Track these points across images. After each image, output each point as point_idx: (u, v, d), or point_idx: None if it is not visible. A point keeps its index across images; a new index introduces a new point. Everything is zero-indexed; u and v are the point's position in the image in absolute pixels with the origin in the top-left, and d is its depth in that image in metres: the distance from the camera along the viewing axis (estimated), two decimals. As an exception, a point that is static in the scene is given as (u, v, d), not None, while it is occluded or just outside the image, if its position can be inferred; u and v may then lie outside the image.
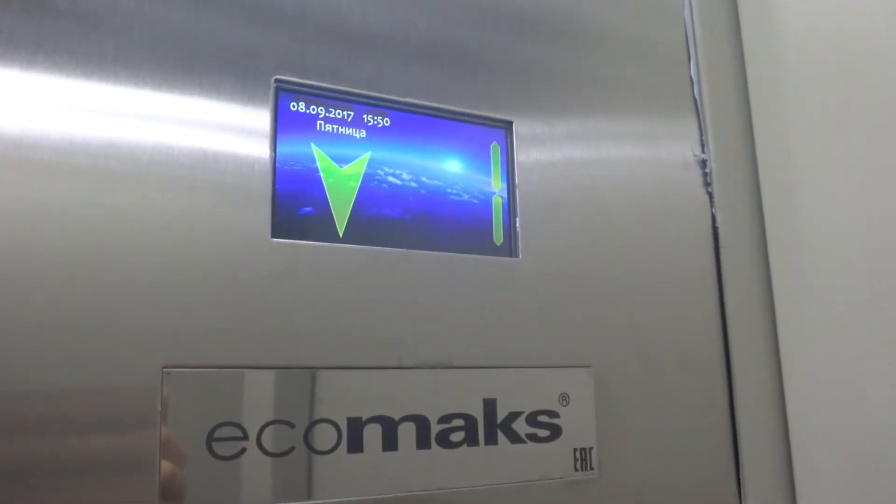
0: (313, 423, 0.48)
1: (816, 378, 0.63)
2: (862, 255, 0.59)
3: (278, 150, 0.50)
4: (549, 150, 0.60)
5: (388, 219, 0.53)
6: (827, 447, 0.62)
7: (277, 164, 0.50)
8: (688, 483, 0.60)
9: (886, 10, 0.59)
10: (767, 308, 0.67)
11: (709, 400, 0.63)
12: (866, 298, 0.59)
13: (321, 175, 0.51)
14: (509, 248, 0.57)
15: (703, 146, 0.67)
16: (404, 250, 0.53)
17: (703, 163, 0.66)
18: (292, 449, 0.47)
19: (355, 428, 0.49)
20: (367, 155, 0.53)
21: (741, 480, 0.62)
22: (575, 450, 0.56)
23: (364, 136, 0.53)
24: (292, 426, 0.47)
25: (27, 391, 0.41)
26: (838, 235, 0.61)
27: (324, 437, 0.48)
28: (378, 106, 0.55)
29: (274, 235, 0.49)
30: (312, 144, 0.51)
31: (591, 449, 0.56)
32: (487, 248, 0.56)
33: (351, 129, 0.53)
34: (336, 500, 0.47)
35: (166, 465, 0.43)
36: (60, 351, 0.42)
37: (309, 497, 0.47)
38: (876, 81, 0.59)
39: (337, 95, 0.53)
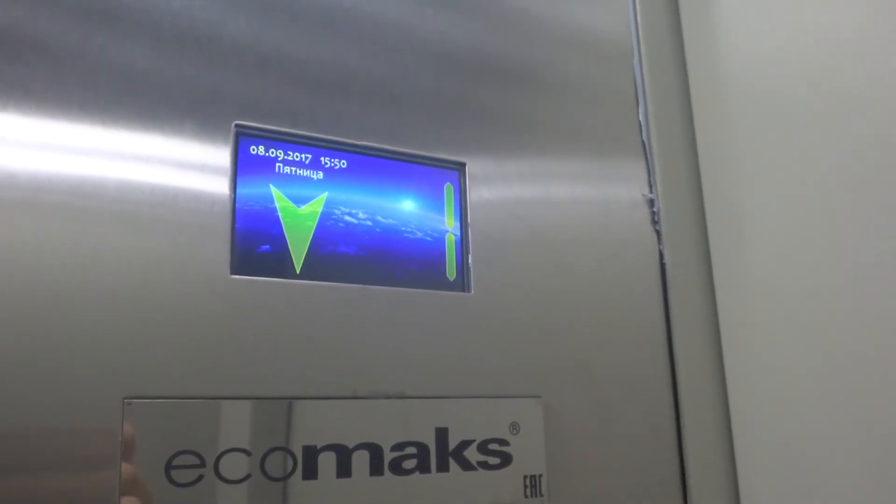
0: (269, 451, 0.50)
1: (762, 409, 0.66)
2: (806, 290, 0.62)
3: (238, 190, 0.53)
4: (501, 189, 0.63)
5: (344, 256, 0.56)
6: (772, 475, 0.64)
7: (237, 205, 0.53)
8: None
9: (827, 51, 0.63)
10: (714, 341, 0.70)
11: (656, 429, 0.65)
12: (814, 338, 0.62)
13: (279, 214, 0.54)
14: (462, 283, 0.60)
15: (650, 186, 0.70)
16: (360, 286, 0.55)
17: (651, 202, 0.70)
18: (248, 476, 0.49)
19: (310, 456, 0.51)
20: (325, 195, 0.56)
21: (689, 507, 0.65)
22: (525, 477, 0.58)
23: (321, 177, 0.56)
24: (249, 454, 0.49)
25: (-9, 420, 0.43)
26: (783, 270, 0.64)
27: (279, 464, 0.50)
28: (335, 149, 0.58)
29: (233, 272, 0.51)
30: (271, 185, 0.54)
31: (540, 476, 0.59)
32: (441, 283, 0.59)
33: (308, 171, 0.56)
34: (290, 525, 0.49)
35: (126, 497, 0.45)
36: (23, 385, 0.44)
37: (264, 522, 0.49)
38: (819, 121, 0.63)
39: (295, 139, 0.56)
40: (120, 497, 0.45)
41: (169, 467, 0.47)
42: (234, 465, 0.49)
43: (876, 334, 0.57)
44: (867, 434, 0.57)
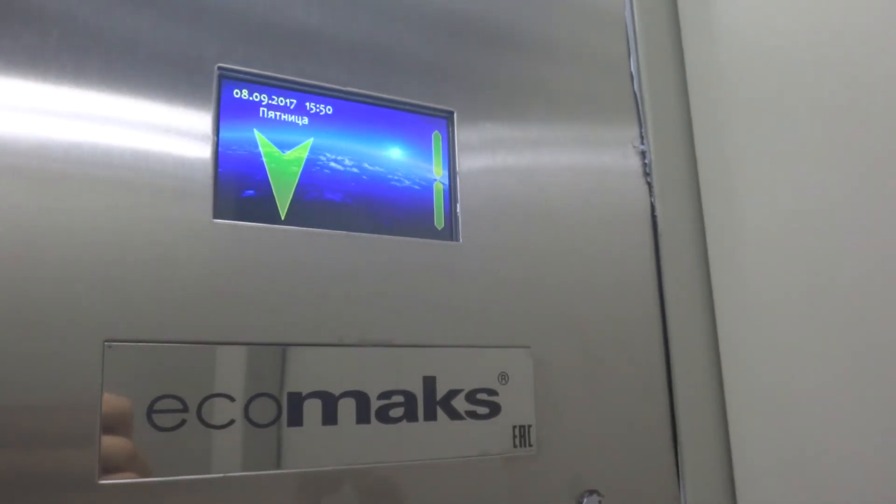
0: (253, 398, 0.49)
1: (754, 363, 0.65)
2: (799, 245, 0.62)
3: (221, 134, 0.52)
4: (491, 139, 0.62)
5: (329, 203, 0.55)
6: (762, 428, 0.64)
7: (220, 149, 0.52)
8: (626, 462, 0.62)
9: (813, 10, 0.62)
10: (706, 296, 0.69)
11: (646, 382, 0.65)
12: (802, 288, 0.61)
13: (263, 160, 0.53)
14: (450, 232, 0.59)
15: (642, 138, 0.69)
16: (345, 232, 0.55)
17: (643, 153, 0.69)
18: (232, 422, 0.48)
19: (295, 402, 0.50)
20: (310, 141, 0.55)
21: (679, 460, 0.64)
22: (514, 427, 0.58)
23: (307, 123, 0.55)
24: (232, 400, 0.49)
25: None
26: (776, 225, 0.63)
27: (263, 411, 0.49)
28: (321, 94, 0.56)
29: (216, 216, 0.50)
30: (255, 130, 0.53)
31: (529, 426, 0.58)
32: (429, 232, 0.58)
33: (294, 117, 0.55)
34: (275, 471, 0.49)
35: (107, 438, 0.45)
36: (2, 327, 0.43)
37: (248, 468, 0.48)
38: (808, 71, 0.62)
39: (280, 84, 0.55)
40: (100, 439, 0.44)
41: (150, 411, 0.46)
42: (218, 411, 0.48)
43: (871, 296, 0.56)
44: (857, 389, 0.57)
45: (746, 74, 0.67)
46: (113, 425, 0.45)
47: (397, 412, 0.53)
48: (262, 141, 0.53)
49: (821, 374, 0.59)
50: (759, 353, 0.64)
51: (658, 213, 0.68)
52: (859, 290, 0.57)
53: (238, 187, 0.52)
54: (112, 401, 0.45)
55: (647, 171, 0.69)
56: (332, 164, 0.55)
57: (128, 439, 0.45)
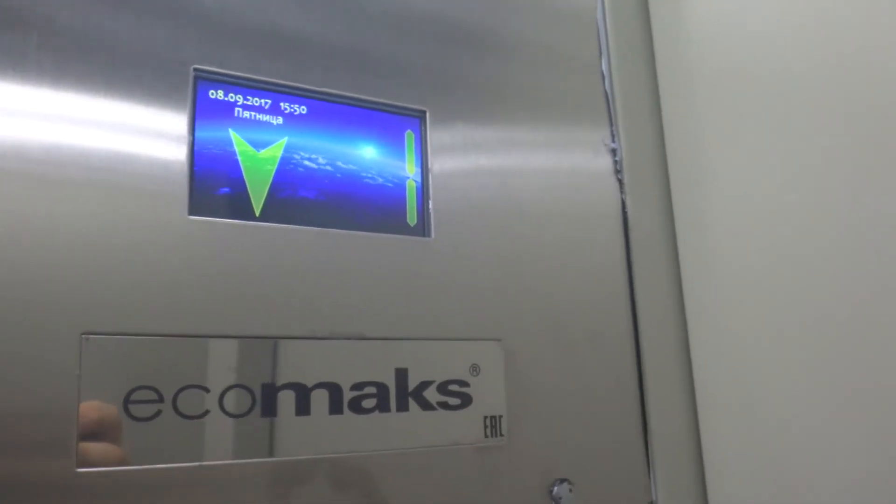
0: (228, 389, 0.51)
1: (723, 355, 0.67)
2: (768, 240, 0.63)
3: (197, 134, 0.54)
4: (462, 137, 0.64)
5: (304, 200, 0.56)
6: (732, 422, 0.66)
7: (196, 148, 0.53)
8: (597, 451, 0.64)
9: (784, 10, 0.63)
10: (676, 290, 0.71)
11: (618, 374, 0.66)
12: (771, 281, 0.63)
13: (238, 158, 0.55)
14: (423, 228, 0.60)
15: (613, 136, 0.71)
16: (319, 229, 0.56)
17: (614, 151, 0.70)
18: (207, 412, 0.50)
19: (269, 393, 0.52)
20: (284, 140, 0.57)
21: (649, 449, 0.66)
22: (485, 417, 0.59)
23: (281, 122, 0.57)
24: (207, 390, 0.50)
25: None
26: (745, 221, 0.65)
27: (238, 401, 0.51)
28: (295, 94, 0.58)
29: (191, 213, 0.52)
30: (230, 130, 0.55)
31: (500, 417, 0.60)
32: (401, 228, 0.60)
33: (268, 116, 0.57)
34: (249, 460, 0.50)
35: (84, 428, 0.46)
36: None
37: (223, 458, 0.50)
38: (782, 72, 0.63)
39: (254, 84, 0.57)
40: (78, 429, 0.46)
41: (127, 402, 0.48)
42: (193, 402, 0.50)
43: (841, 289, 0.58)
44: (824, 378, 0.59)
45: (717, 73, 0.69)
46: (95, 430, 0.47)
47: (370, 403, 0.55)
48: (238, 140, 0.55)
49: (789, 363, 0.61)
50: (728, 345, 0.66)
51: (629, 209, 0.70)
52: (830, 285, 0.58)
53: (213, 185, 0.53)
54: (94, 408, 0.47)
55: (618, 168, 0.70)
56: (307, 163, 0.57)
57: (106, 433, 0.47)
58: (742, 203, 0.65)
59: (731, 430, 0.66)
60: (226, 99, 0.55)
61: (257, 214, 0.54)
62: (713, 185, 0.68)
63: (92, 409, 0.47)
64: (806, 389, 0.59)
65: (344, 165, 0.58)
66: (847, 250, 0.56)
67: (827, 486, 0.58)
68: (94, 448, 0.46)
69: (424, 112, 0.63)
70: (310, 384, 0.53)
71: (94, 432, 0.46)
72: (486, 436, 0.59)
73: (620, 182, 0.70)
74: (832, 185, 0.58)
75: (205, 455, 0.49)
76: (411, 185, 0.61)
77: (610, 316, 0.67)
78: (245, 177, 0.55)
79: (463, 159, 0.64)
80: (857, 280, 0.56)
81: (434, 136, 0.63)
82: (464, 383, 0.59)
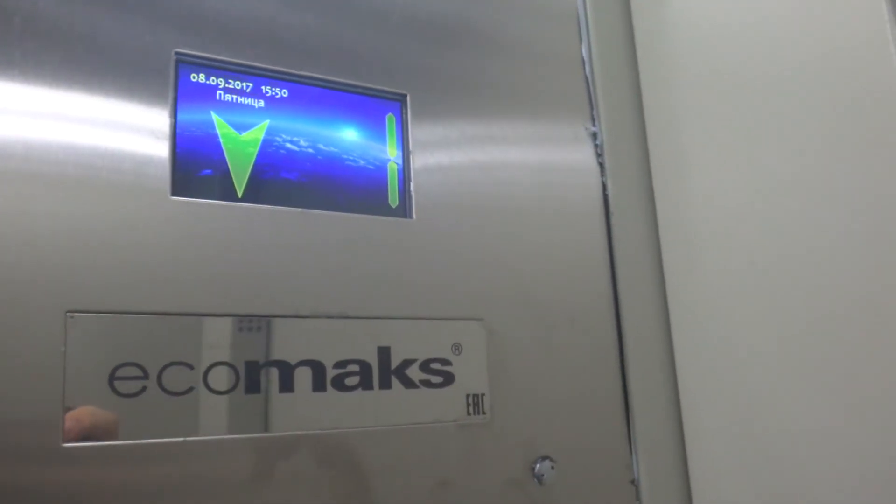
0: (212, 366, 0.52)
1: (704, 333, 0.68)
2: (747, 221, 0.64)
3: (179, 116, 0.54)
4: (443, 121, 0.65)
5: (286, 181, 0.57)
6: (713, 398, 0.67)
7: (178, 130, 0.54)
8: (579, 429, 0.65)
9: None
10: (656, 270, 0.72)
11: (600, 353, 0.67)
12: (750, 259, 0.64)
13: (220, 140, 0.55)
14: (404, 209, 0.61)
15: (593, 120, 0.72)
16: (301, 210, 0.57)
17: (594, 135, 0.71)
18: (191, 389, 0.51)
19: (252, 371, 0.53)
20: (266, 123, 0.57)
21: (631, 427, 0.67)
22: (467, 395, 0.60)
23: (263, 105, 0.58)
24: (191, 368, 0.51)
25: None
26: (725, 202, 0.66)
27: (221, 378, 0.52)
28: (276, 78, 0.59)
29: (174, 194, 0.53)
30: (212, 112, 0.56)
31: (483, 395, 0.61)
32: (383, 209, 0.61)
33: (250, 100, 0.57)
34: (234, 436, 0.51)
35: (71, 406, 0.47)
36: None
37: (207, 433, 0.50)
38: (761, 59, 0.65)
39: (236, 68, 0.58)
40: (64, 403, 0.47)
41: (112, 378, 0.48)
42: (177, 378, 0.50)
43: (819, 272, 0.59)
44: (803, 354, 0.60)
45: (698, 60, 0.70)
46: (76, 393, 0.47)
47: (353, 381, 0.56)
48: (219, 123, 0.56)
49: (769, 340, 0.62)
50: (708, 325, 0.67)
51: (609, 192, 0.71)
52: (808, 266, 0.59)
53: (195, 167, 0.54)
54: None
55: (599, 152, 0.71)
56: (288, 145, 0.58)
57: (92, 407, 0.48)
58: (722, 187, 0.66)
59: (712, 408, 0.67)
60: (207, 82, 0.56)
61: (240, 195, 0.55)
62: (693, 169, 0.69)
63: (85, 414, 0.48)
64: (785, 366, 0.60)
65: (325, 148, 0.59)
66: (828, 231, 0.57)
67: (807, 458, 0.59)
68: (79, 421, 0.47)
69: (405, 95, 0.64)
70: (293, 362, 0.54)
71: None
72: (469, 413, 0.60)
73: (601, 166, 0.71)
74: (811, 167, 0.59)
75: (190, 431, 0.50)
76: (392, 168, 0.62)
77: (591, 297, 0.68)
78: (227, 158, 0.55)
79: (444, 142, 0.65)
80: (839, 261, 0.57)
81: (415, 119, 0.64)
82: (446, 362, 0.60)
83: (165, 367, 0.50)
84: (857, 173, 0.55)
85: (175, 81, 0.55)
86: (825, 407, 0.57)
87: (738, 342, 0.64)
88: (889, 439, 0.53)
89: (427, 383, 0.59)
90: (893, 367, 0.53)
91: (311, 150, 0.58)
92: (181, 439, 0.50)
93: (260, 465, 0.52)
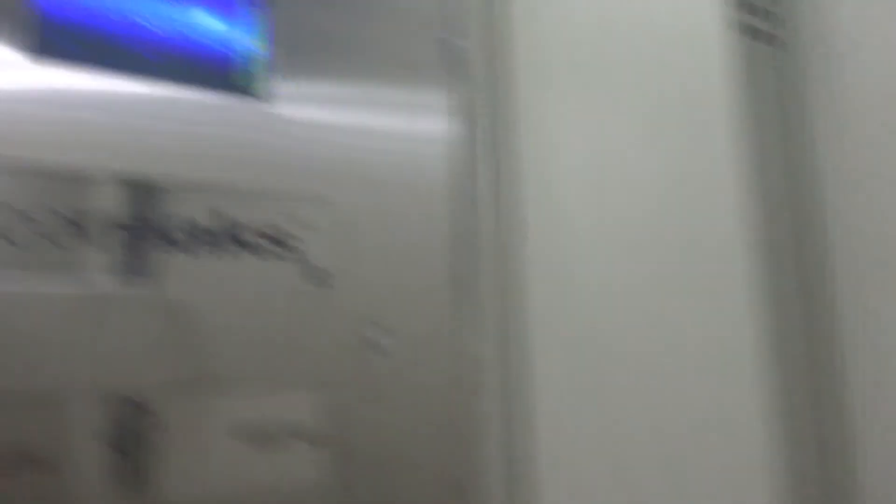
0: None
1: (548, 211, 0.76)
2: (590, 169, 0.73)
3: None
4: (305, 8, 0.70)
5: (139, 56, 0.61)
6: (555, 274, 0.75)
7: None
8: (416, 303, 0.71)
9: None
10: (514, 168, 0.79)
11: (438, 229, 0.74)
12: (598, 190, 0.73)
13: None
14: (257, 91, 0.66)
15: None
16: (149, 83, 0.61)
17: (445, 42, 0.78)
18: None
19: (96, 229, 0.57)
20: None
21: (474, 302, 0.74)
22: (307, 266, 0.65)
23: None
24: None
25: None
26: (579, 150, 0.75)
27: (68, 234, 0.56)
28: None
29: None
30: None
31: (325, 269, 0.66)
32: (236, 90, 0.65)
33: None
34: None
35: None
36: None
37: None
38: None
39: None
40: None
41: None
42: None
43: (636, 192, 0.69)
44: (648, 286, 0.69)
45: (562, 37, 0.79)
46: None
47: (196, 243, 0.61)
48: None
49: (613, 264, 0.73)
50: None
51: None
52: (635, 203, 0.69)
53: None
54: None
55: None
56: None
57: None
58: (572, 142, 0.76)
59: (552, 284, 0.76)
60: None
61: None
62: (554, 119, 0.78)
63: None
64: (619, 264, 0.70)
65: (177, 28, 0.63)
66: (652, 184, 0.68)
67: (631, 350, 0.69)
68: None
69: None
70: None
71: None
72: (309, 285, 0.65)
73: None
74: (648, 124, 0.69)
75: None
76: (251, 52, 0.66)
77: (428, 174, 0.75)
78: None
79: (305, 30, 0.69)
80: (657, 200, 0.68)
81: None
82: (288, 234, 0.65)
83: None
84: (674, 142, 0.66)
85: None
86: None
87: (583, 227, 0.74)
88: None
89: (268, 251, 0.64)
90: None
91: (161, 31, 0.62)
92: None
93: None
